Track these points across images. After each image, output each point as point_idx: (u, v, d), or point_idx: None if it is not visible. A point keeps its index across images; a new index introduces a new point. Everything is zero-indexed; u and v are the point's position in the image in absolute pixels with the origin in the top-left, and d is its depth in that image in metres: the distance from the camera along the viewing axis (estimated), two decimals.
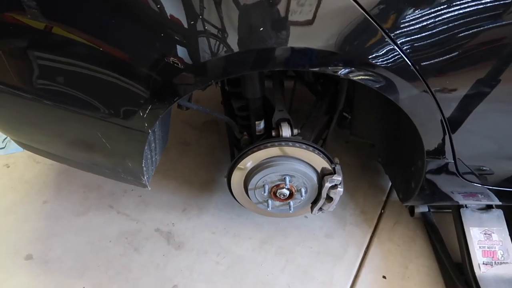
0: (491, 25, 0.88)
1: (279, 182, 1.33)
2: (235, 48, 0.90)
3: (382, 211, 1.77)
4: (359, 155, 2.04)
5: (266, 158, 1.31)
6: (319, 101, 1.53)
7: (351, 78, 0.97)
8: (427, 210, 1.67)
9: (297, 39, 0.89)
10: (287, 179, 1.31)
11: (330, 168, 1.33)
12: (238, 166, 1.34)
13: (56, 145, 1.31)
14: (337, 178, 1.32)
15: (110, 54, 0.93)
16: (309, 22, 0.87)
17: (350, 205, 1.79)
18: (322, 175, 1.35)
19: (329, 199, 1.37)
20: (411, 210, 1.72)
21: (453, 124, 1.06)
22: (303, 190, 1.35)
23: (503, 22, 0.88)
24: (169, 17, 0.87)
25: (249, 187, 1.36)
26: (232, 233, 1.67)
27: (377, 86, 0.98)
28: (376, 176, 1.93)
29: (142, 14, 0.87)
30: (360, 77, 0.97)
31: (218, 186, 1.86)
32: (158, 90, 0.98)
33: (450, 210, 1.57)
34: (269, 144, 1.28)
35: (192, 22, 0.88)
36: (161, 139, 1.30)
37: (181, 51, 0.91)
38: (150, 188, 1.33)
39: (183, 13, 0.87)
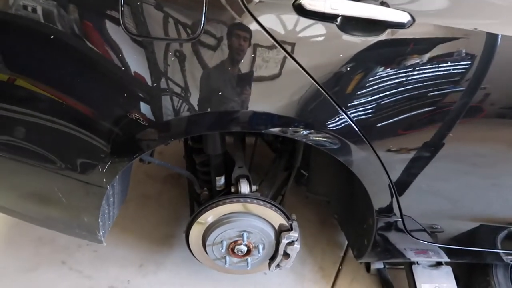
0: (432, 93, 0.97)
1: (237, 239, 1.34)
2: (198, 109, 0.93)
3: (340, 267, 1.80)
4: (319, 211, 2.09)
5: (224, 214, 1.33)
6: (277, 159, 1.59)
7: (305, 141, 1.04)
8: (383, 266, 1.71)
9: (257, 104, 0.95)
10: (245, 235, 1.32)
11: (287, 225, 1.36)
12: (197, 221, 1.34)
13: (8, 198, 1.27)
14: (294, 234, 1.35)
15: (72, 108, 0.94)
16: (268, 90, 0.94)
17: (308, 260, 1.80)
18: (279, 232, 1.37)
19: (286, 255, 1.39)
20: (368, 266, 1.75)
21: (399, 185, 1.14)
22: (260, 247, 1.36)
23: (444, 90, 0.97)
24: (133, 74, 0.89)
25: (207, 243, 1.35)
26: None
27: (328, 148, 1.05)
28: (334, 232, 1.97)
29: (106, 70, 0.90)
30: (312, 141, 1.04)
31: (178, 242, 1.83)
32: (119, 145, 1.00)
33: (404, 267, 1.62)
34: (227, 200, 1.30)
35: (156, 80, 0.90)
36: (120, 193, 1.30)
37: (144, 107, 0.93)
38: (105, 244, 1.30)
39: (148, 71, 0.89)
